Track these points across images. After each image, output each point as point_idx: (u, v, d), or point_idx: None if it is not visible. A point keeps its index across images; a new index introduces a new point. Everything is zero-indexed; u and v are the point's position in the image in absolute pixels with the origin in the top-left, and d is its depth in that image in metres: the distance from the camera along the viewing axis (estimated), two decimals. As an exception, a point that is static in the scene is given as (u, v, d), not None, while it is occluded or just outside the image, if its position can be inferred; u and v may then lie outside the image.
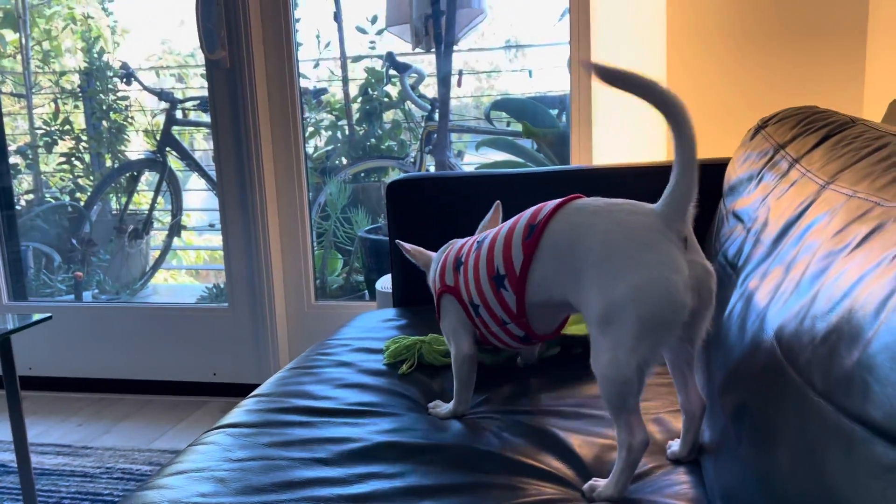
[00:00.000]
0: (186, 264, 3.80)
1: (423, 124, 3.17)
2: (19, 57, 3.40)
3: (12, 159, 3.22)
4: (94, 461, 1.93)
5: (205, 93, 3.32)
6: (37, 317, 1.47)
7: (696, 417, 0.86)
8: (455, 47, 2.97)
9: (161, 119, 3.27)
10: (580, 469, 0.89)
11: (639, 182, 1.53)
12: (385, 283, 1.94)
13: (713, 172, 1.41)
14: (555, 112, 2.75)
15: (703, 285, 0.79)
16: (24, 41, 3.44)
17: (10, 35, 3.35)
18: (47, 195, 3.41)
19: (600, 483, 0.83)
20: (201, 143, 3.49)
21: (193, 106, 3.31)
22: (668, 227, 0.78)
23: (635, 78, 0.77)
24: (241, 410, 1.04)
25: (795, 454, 0.56)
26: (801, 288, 0.70)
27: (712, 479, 0.78)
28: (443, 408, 1.04)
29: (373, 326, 1.40)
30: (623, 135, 1.84)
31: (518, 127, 2.92)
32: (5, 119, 3.19)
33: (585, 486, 0.83)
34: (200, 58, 3.05)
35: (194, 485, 0.84)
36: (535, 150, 2.74)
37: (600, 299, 0.78)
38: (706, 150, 1.59)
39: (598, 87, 1.82)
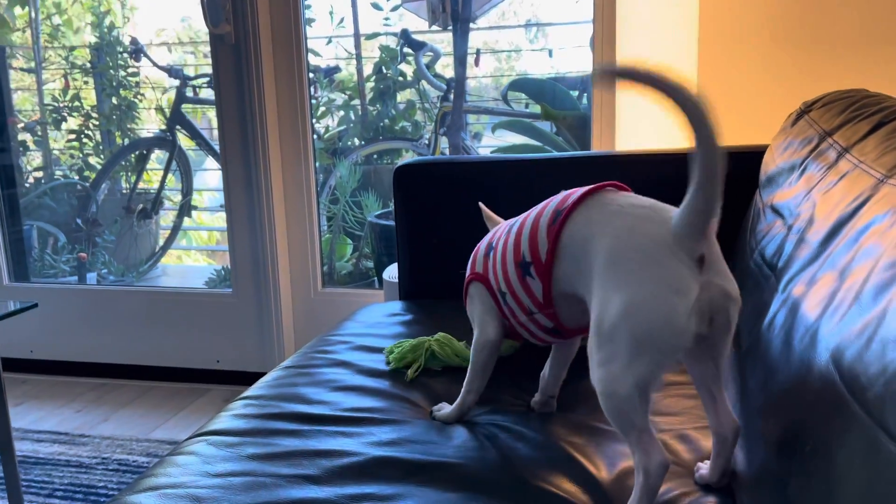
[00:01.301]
0: (198, 245, 3.75)
1: (438, 105, 3.06)
2: (28, 32, 3.32)
3: (20, 136, 3.16)
4: (91, 450, 1.87)
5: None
6: (35, 293, 1.39)
7: (728, 441, 0.77)
8: (473, 25, 2.86)
9: (172, 96, 3.20)
10: (595, 492, 0.79)
11: (664, 169, 1.42)
12: (392, 272, 1.84)
13: (748, 160, 1.30)
14: (575, 94, 2.63)
15: (718, 310, 0.71)
16: (33, 15, 3.36)
17: (18, 10, 3.28)
18: (57, 172, 3.35)
19: None
20: (215, 122, 3.41)
21: (205, 83, 3.23)
22: (679, 244, 0.70)
23: (658, 78, 0.70)
24: (229, 415, 0.96)
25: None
26: (864, 302, 0.60)
27: (750, 514, 0.68)
28: (446, 409, 0.96)
29: (376, 322, 1.31)
30: (648, 118, 1.73)
31: (536, 109, 2.80)
32: (15, 95, 3.13)
33: None
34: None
35: (168, 503, 0.76)
36: (553, 134, 2.63)
37: (601, 309, 0.73)
38: (741, 136, 1.47)
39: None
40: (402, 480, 0.79)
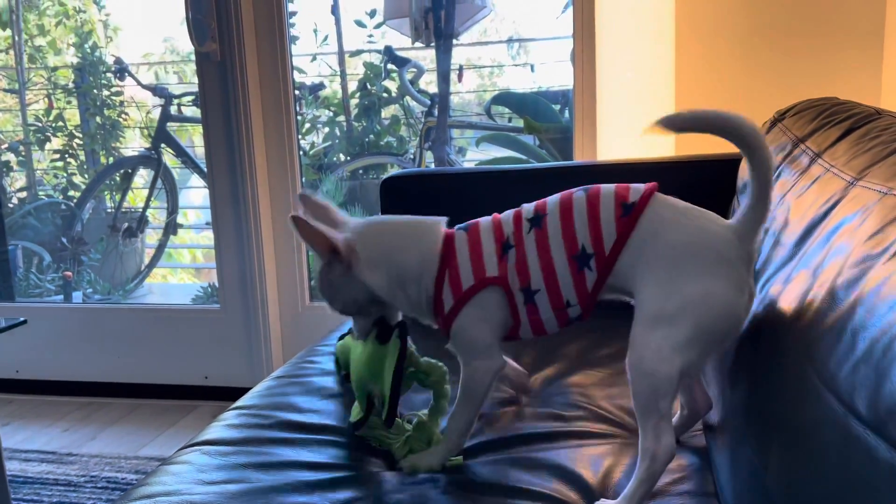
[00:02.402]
0: (183, 263, 3.73)
1: (422, 120, 3.10)
2: (11, 53, 3.32)
3: (3, 157, 3.15)
4: (79, 469, 1.86)
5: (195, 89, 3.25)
6: (20, 312, 1.39)
7: (698, 415, 0.89)
8: (456, 42, 2.90)
9: (156, 115, 3.21)
10: (583, 491, 0.81)
11: (647, 179, 1.45)
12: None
13: (726, 168, 1.34)
14: (557, 107, 2.68)
15: (749, 307, 0.80)
16: (16, 36, 3.37)
17: (0, 30, 3.28)
18: (40, 192, 3.34)
19: (611, 502, 0.77)
20: (199, 140, 3.42)
21: (189, 101, 3.24)
22: (743, 247, 0.79)
23: (710, 117, 0.80)
24: (221, 425, 0.97)
25: (836, 489, 0.48)
26: (835, 297, 0.63)
27: (731, 502, 0.70)
28: (422, 456, 0.88)
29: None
30: (630, 130, 1.76)
31: (519, 123, 2.84)
32: (-2, 115, 3.12)
33: None
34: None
35: (162, 510, 0.77)
36: (537, 147, 2.66)
37: (665, 296, 0.77)
38: (718, 144, 1.51)
39: (603, 82, 1.74)
40: (398, 491, 0.81)
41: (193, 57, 2.21)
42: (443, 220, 0.90)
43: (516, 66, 3.26)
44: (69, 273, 2.85)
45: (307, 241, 0.85)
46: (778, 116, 1.18)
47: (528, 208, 0.88)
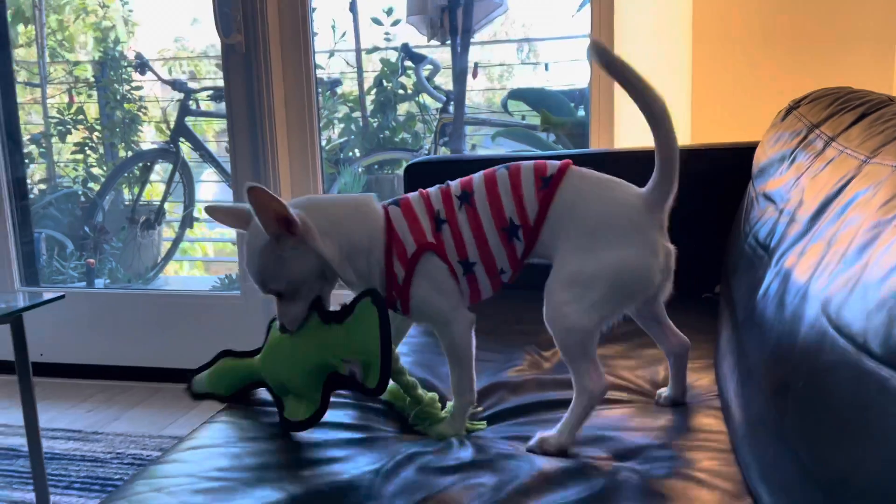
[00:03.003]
0: (197, 256, 3.78)
1: (437, 116, 3.15)
2: (33, 48, 3.39)
3: (26, 149, 3.21)
4: (105, 446, 1.91)
5: (218, 83, 3.32)
6: (47, 296, 1.45)
7: (682, 357, 0.97)
8: (473, 39, 2.94)
9: (174, 109, 3.27)
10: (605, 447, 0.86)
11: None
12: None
13: (740, 156, 1.38)
14: (571, 105, 2.72)
15: (668, 265, 0.89)
16: (39, 31, 3.44)
17: (22, 26, 3.35)
18: (61, 184, 3.40)
19: (549, 433, 0.85)
20: (213, 135, 3.48)
21: (207, 97, 3.30)
22: (654, 214, 0.87)
23: (629, 72, 0.85)
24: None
25: (848, 419, 0.53)
26: (848, 259, 0.67)
27: (748, 459, 0.75)
28: (448, 426, 0.91)
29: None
30: (646, 127, 1.80)
31: (533, 120, 2.89)
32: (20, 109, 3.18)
33: (532, 443, 0.85)
34: (214, 51, 3.03)
35: (210, 459, 0.82)
36: (552, 142, 2.71)
37: (580, 261, 0.86)
38: (733, 134, 1.55)
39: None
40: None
41: (208, 53, 2.27)
42: (374, 195, 0.94)
43: (529, 64, 3.31)
44: (92, 261, 2.91)
45: (262, 211, 0.84)
46: (793, 104, 1.23)
47: (454, 185, 0.93)
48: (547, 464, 0.80)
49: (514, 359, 1.12)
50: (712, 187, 1.44)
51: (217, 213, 0.95)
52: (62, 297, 1.43)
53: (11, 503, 1.66)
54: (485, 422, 0.96)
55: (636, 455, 0.83)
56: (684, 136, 1.61)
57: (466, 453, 0.83)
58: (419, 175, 1.57)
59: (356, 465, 0.80)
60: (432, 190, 0.94)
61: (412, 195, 0.94)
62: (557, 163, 0.91)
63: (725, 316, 1.11)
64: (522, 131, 2.83)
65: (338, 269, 0.88)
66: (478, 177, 0.93)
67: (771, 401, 0.70)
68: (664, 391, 0.99)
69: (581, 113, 2.63)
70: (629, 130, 1.84)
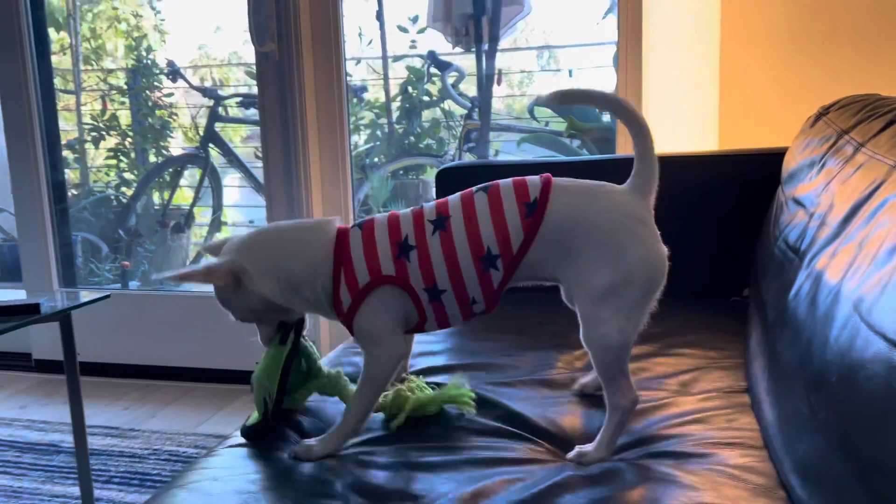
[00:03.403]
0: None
1: (462, 122, 3.19)
2: (67, 55, 3.48)
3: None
4: (142, 443, 1.97)
5: (245, 90, 3.39)
6: (84, 296, 1.50)
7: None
8: (500, 47, 2.98)
9: (202, 115, 3.35)
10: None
11: (692, 170, 1.53)
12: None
13: (768, 162, 1.40)
14: (597, 110, 2.74)
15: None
16: (73, 39, 3.53)
17: (55, 34, 3.44)
18: (93, 189, 3.49)
19: (587, 448, 0.86)
20: (240, 141, 3.55)
21: (236, 103, 3.38)
22: (646, 204, 0.89)
23: (593, 94, 0.93)
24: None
25: (882, 410, 0.56)
26: (879, 261, 0.70)
27: (781, 453, 0.77)
28: (310, 443, 0.89)
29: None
30: (673, 129, 1.83)
31: (557, 127, 2.92)
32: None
33: (572, 454, 0.86)
34: (240, 58, 3.10)
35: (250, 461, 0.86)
36: (577, 148, 2.74)
37: (607, 273, 0.85)
38: (759, 140, 1.57)
39: (648, 82, 1.81)
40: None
41: (231, 61, 2.32)
42: (335, 219, 0.93)
43: (550, 71, 3.35)
44: (127, 263, 2.99)
45: (189, 281, 0.91)
46: (822, 111, 1.25)
47: (429, 208, 0.91)
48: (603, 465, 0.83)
49: (549, 359, 1.15)
50: (739, 193, 1.47)
51: (213, 250, 0.96)
52: (108, 296, 1.49)
53: (53, 496, 1.72)
54: (473, 401, 0.96)
55: (668, 452, 0.86)
56: (712, 143, 1.63)
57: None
58: (451, 180, 1.61)
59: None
60: (404, 212, 0.92)
61: (378, 217, 0.92)
62: (538, 181, 0.89)
63: (755, 318, 1.13)
64: (549, 137, 2.86)
65: (282, 302, 0.90)
66: (454, 199, 0.91)
67: (804, 397, 0.72)
68: (583, 378, 1.03)
69: (606, 119, 2.66)
70: (657, 135, 1.86)
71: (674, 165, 1.57)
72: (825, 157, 1.10)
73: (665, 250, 0.88)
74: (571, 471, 0.82)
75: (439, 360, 1.17)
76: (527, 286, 0.94)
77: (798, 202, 1.11)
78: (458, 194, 0.92)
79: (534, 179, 0.90)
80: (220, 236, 3.56)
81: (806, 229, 1.01)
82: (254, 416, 0.94)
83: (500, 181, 0.91)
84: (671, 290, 1.51)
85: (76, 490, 1.73)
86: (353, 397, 0.91)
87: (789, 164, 1.25)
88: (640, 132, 0.91)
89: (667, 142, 1.86)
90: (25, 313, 1.34)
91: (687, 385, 1.04)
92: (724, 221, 1.49)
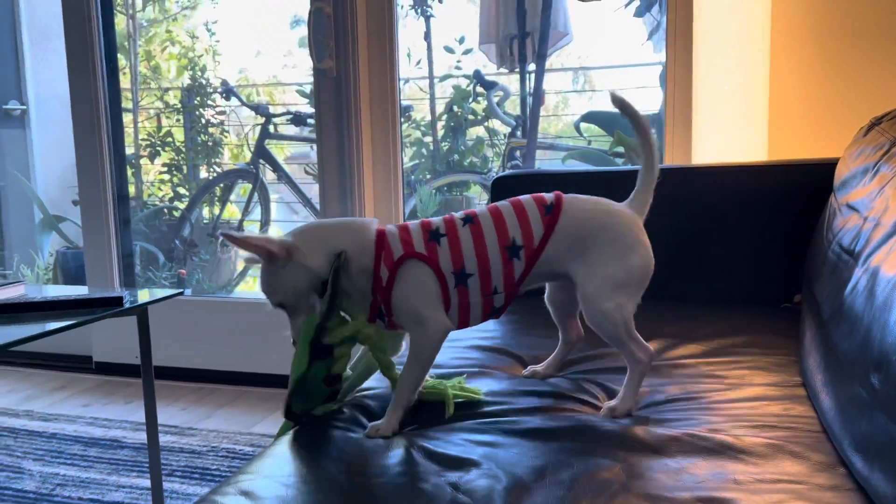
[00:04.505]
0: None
1: (506, 140, 3.27)
2: (126, 75, 3.65)
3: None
4: (200, 440, 2.04)
5: (292, 108, 3.52)
6: (167, 292, 1.58)
7: (574, 344, 1.15)
8: (533, 67, 3.05)
9: (252, 133, 3.48)
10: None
11: (742, 181, 1.57)
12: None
13: (817, 172, 1.44)
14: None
15: None
16: (132, 59, 3.71)
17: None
18: (148, 202, 3.64)
19: (614, 402, 0.98)
20: (284, 159, 3.69)
21: (286, 120, 3.51)
22: (641, 220, 1.06)
23: (632, 110, 1.07)
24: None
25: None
26: (937, 250, 0.74)
27: (840, 435, 0.81)
28: (380, 423, 0.95)
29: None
30: (723, 141, 1.87)
31: (598, 145, 2.97)
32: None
33: (603, 411, 0.98)
34: (291, 77, 3.22)
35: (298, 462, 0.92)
36: (621, 163, 2.78)
37: (613, 267, 1.00)
38: (808, 152, 1.61)
39: (700, 101, 1.86)
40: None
41: (280, 80, 2.41)
42: (375, 220, 1.03)
43: (589, 92, 3.42)
44: (183, 271, 3.10)
45: (244, 247, 0.97)
46: (875, 121, 1.29)
47: (458, 214, 1.03)
48: (654, 436, 0.88)
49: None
50: (790, 203, 1.50)
51: (235, 241, 1.00)
52: (181, 292, 1.58)
53: (120, 487, 1.80)
54: (481, 391, 1.04)
55: (726, 430, 0.90)
56: (761, 154, 1.67)
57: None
58: (505, 188, 1.67)
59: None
60: (435, 218, 1.03)
61: (413, 221, 1.03)
62: (553, 195, 1.04)
63: (808, 318, 1.17)
64: (596, 153, 2.91)
65: (324, 276, 0.97)
66: (481, 208, 1.04)
67: (863, 381, 0.76)
68: (539, 367, 1.14)
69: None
70: (707, 147, 1.90)
71: (723, 175, 1.62)
72: (879, 164, 1.13)
73: (653, 259, 1.03)
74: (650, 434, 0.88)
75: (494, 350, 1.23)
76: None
77: (852, 207, 1.15)
78: (483, 206, 1.06)
79: (549, 194, 1.05)
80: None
81: (860, 232, 1.04)
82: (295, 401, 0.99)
83: (521, 196, 1.05)
84: (722, 296, 1.55)
85: (140, 481, 1.81)
86: (401, 374, 0.99)
87: (842, 171, 1.29)
88: (653, 163, 1.07)
89: (716, 153, 1.90)
90: (109, 306, 1.43)
91: (742, 379, 1.08)
92: (774, 230, 1.53)
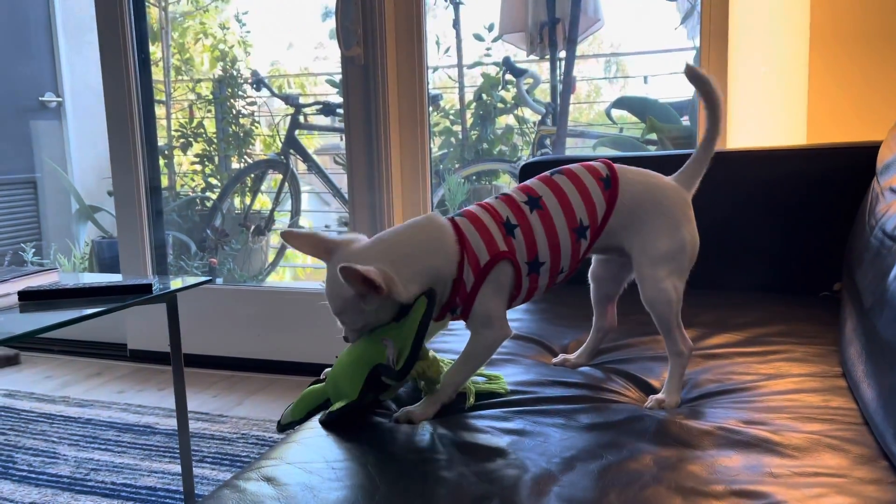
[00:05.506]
0: (298, 263, 3.98)
1: (536, 128, 3.23)
2: (159, 66, 3.69)
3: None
4: (231, 427, 2.06)
5: (321, 98, 3.52)
6: (196, 280, 1.59)
7: (606, 333, 1.14)
8: (566, 52, 3.00)
9: (283, 123, 3.49)
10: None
11: (782, 165, 1.52)
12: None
13: (857, 156, 1.39)
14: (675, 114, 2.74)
15: None
16: (165, 51, 3.74)
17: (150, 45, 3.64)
18: (181, 192, 3.68)
19: (660, 395, 0.97)
20: (313, 150, 3.70)
21: (316, 111, 3.51)
22: (690, 195, 1.05)
23: (705, 80, 1.03)
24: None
25: None
26: None
27: (883, 427, 0.78)
28: (412, 408, 0.94)
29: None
30: (761, 130, 1.82)
31: (630, 132, 2.92)
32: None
33: (649, 403, 0.97)
34: (322, 68, 3.22)
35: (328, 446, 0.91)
36: (655, 151, 2.73)
37: (667, 240, 0.99)
38: (848, 135, 1.56)
39: (737, 85, 1.81)
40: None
41: (307, 71, 2.40)
42: (436, 213, 0.98)
43: (622, 78, 3.36)
44: (214, 260, 3.13)
45: (354, 284, 0.86)
46: (919, 102, 1.23)
47: (515, 193, 1.00)
48: (687, 428, 0.85)
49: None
50: (830, 187, 1.45)
51: (292, 238, 0.97)
52: (210, 280, 1.58)
53: (152, 472, 1.82)
54: (505, 386, 1.01)
55: (764, 423, 0.87)
56: (800, 138, 1.62)
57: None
58: (534, 174, 1.64)
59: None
60: (491, 200, 0.99)
61: (474, 207, 0.98)
62: (601, 163, 1.02)
63: (849, 307, 1.13)
64: (628, 140, 2.87)
65: (409, 303, 0.91)
66: (535, 183, 1.00)
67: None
68: (572, 356, 1.13)
69: (686, 123, 2.65)
70: (744, 131, 1.85)
71: (764, 159, 1.57)
72: (924, 147, 1.09)
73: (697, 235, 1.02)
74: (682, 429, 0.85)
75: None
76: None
77: (895, 192, 1.10)
78: (533, 179, 1.02)
79: (597, 162, 1.03)
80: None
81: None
82: (336, 405, 0.93)
83: (569, 165, 1.03)
84: (758, 284, 1.50)
85: (172, 467, 1.83)
86: (451, 368, 0.96)
87: (885, 155, 1.24)
88: (714, 137, 1.04)
89: (754, 137, 1.85)
90: (138, 293, 1.44)
91: (779, 370, 1.05)
92: (813, 216, 1.48)
